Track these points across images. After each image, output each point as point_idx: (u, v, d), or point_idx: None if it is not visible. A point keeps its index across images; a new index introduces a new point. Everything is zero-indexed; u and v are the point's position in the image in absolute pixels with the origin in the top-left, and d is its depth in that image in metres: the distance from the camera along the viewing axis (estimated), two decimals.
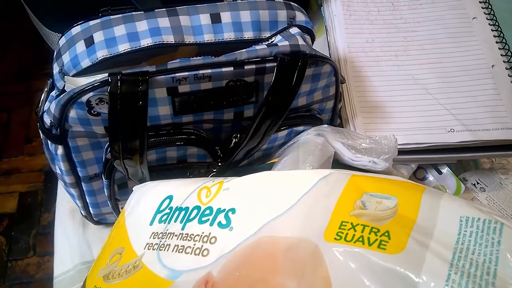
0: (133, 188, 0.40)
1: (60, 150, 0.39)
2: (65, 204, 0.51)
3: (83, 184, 0.42)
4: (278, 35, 0.39)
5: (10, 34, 1.49)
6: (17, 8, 0.49)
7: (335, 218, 0.25)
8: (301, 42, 0.38)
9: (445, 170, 0.48)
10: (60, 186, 0.52)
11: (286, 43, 0.38)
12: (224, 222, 0.29)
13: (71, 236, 0.50)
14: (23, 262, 1.09)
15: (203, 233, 0.30)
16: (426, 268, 0.21)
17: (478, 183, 0.49)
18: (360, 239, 0.23)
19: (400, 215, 0.24)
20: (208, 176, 0.42)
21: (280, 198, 0.28)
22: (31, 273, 1.08)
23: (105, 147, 0.39)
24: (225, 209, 0.30)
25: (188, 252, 0.29)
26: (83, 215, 0.48)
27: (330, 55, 0.51)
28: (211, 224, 0.30)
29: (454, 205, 0.23)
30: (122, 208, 0.40)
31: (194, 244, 0.29)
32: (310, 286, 0.23)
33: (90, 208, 0.46)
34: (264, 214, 0.28)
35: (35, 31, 0.53)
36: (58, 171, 0.42)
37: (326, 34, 0.53)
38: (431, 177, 0.48)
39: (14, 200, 1.19)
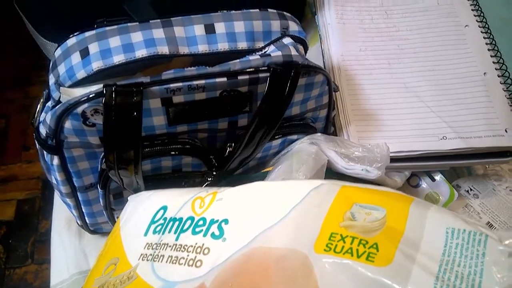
0: (128, 198, 0.40)
1: (55, 160, 0.39)
2: (62, 213, 0.51)
3: (78, 194, 0.43)
4: (271, 45, 0.40)
5: (7, 40, 1.49)
6: (14, 14, 0.50)
7: (325, 230, 0.25)
8: (293, 52, 0.39)
9: (439, 177, 0.48)
10: (57, 196, 0.52)
11: (279, 53, 0.38)
12: (217, 233, 0.29)
13: (67, 246, 0.50)
14: (21, 270, 1.09)
15: (196, 244, 0.30)
16: (413, 281, 0.21)
17: (471, 189, 0.49)
18: (349, 250, 0.23)
19: (388, 227, 0.24)
20: (203, 185, 0.42)
21: (272, 209, 0.29)
22: (29, 281, 1.08)
23: (100, 157, 0.40)
24: (218, 220, 0.30)
25: (182, 263, 0.29)
26: (79, 225, 0.48)
27: (324, 63, 0.52)
28: (204, 235, 0.30)
29: (441, 216, 0.24)
30: (117, 217, 0.40)
31: (188, 255, 0.29)
32: None
33: (86, 218, 0.46)
34: (257, 225, 0.28)
35: (32, 38, 0.54)
36: (54, 181, 0.42)
37: (320, 42, 0.53)
38: (424, 184, 0.48)
39: (12, 208, 1.19)
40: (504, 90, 0.47)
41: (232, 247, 0.28)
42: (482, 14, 0.52)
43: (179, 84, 0.36)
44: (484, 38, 0.51)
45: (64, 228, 0.51)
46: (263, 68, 0.37)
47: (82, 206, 0.44)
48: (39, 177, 1.24)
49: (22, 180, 1.24)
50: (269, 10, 0.41)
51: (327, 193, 0.27)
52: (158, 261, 0.31)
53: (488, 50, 0.50)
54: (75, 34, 0.38)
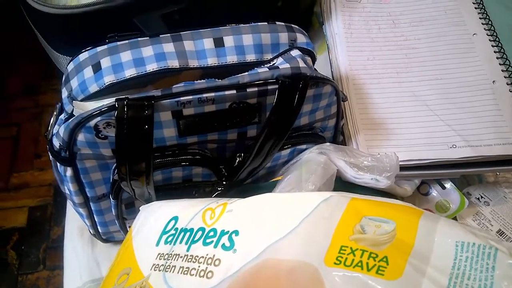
0: (140, 208, 0.41)
1: (69, 171, 0.40)
2: (74, 222, 0.52)
3: (91, 204, 0.43)
4: (280, 57, 0.40)
5: (18, 48, 1.51)
6: (25, 23, 0.51)
7: (335, 242, 0.25)
8: (301, 64, 0.39)
9: (449, 185, 0.48)
10: (69, 205, 0.53)
11: (287, 65, 0.39)
12: (227, 244, 0.30)
13: (80, 254, 0.51)
14: (33, 276, 1.11)
15: (207, 255, 0.30)
16: None
17: (482, 197, 0.49)
18: (359, 264, 0.23)
19: (398, 240, 0.24)
20: (213, 195, 0.43)
21: (282, 221, 0.29)
22: (41, 286, 1.09)
23: (113, 168, 0.40)
24: (228, 231, 0.31)
25: (193, 274, 0.30)
26: (91, 234, 0.49)
27: (332, 72, 0.52)
28: (215, 246, 0.30)
29: (450, 229, 0.24)
30: (129, 226, 0.41)
31: (199, 266, 0.30)
32: None
33: (99, 227, 0.47)
34: (267, 237, 0.29)
35: (42, 47, 0.55)
36: (67, 191, 0.43)
37: (328, 52, 0.54)
38: (434, 192, 0.48)
39: (24, 215, 1.21)
40: None
41: (243, 258, 0.28)
42: (490, 23, 0.52)
43: (189, 97, 0.36)
44: (493, 46, 0.51)
45: (77, 236, 0.52)
46: (271, 81, 0.38)
47: (94, 216, 0.45)
48: (50, 184, 1.25)
49: (34, 187, 1.26)
50: (277, 22, 0.41)
51: (336, 205, 0.28)
52: (170, 271, 0.31)
53: (497, 58, 0.50)
54: (87, 49, 0.39)
